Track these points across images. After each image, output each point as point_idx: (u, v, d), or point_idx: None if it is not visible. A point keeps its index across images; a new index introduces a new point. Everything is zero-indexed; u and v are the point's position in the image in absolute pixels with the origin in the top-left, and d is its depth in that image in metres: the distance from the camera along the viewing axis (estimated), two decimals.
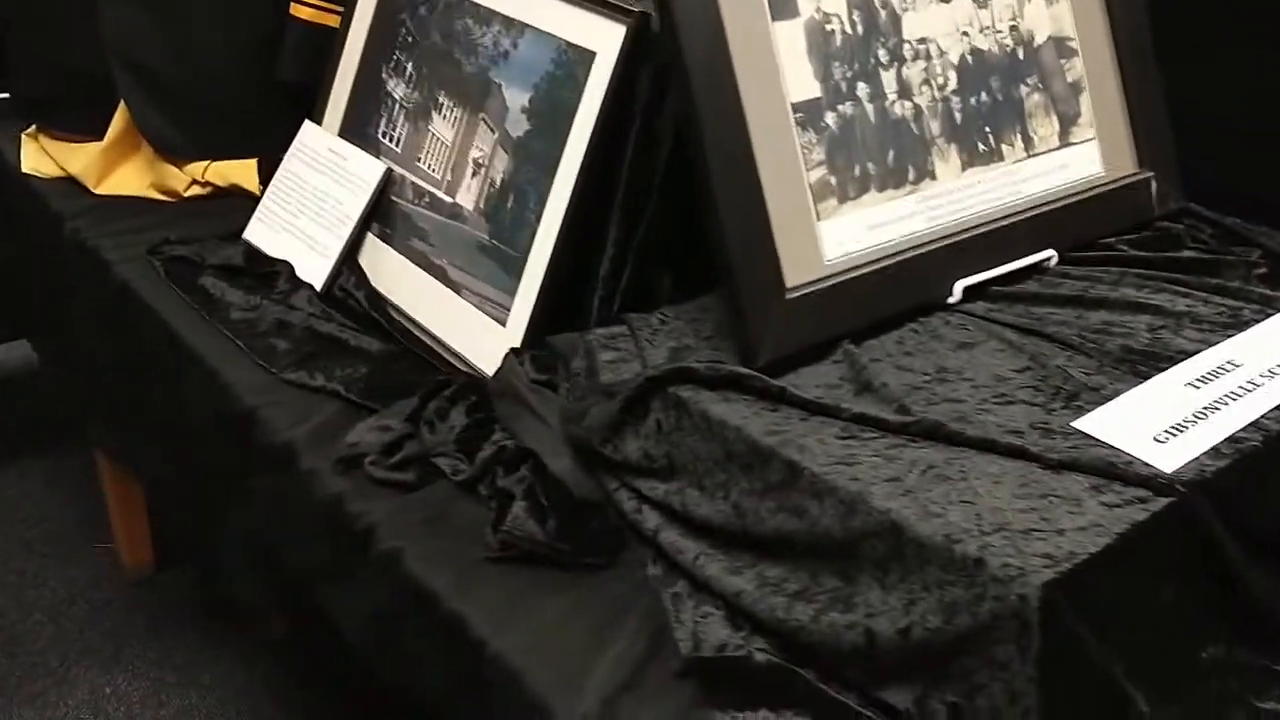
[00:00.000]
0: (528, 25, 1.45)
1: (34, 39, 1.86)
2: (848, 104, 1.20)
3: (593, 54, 1.36)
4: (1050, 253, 1.31)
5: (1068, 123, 1.38)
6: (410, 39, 1.62)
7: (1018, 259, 1.28)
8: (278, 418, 1.37)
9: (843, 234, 1.19)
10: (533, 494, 1.17)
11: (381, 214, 1.61)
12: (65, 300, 1.80)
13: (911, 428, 1.03)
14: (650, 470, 1.13)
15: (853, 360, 1.13)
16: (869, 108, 1.22)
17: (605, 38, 1.35)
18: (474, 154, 1.52)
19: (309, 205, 1.68)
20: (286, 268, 1.64)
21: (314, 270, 1.64)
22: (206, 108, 1.82)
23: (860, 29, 1.22)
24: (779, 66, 1.15)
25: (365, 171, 1.63)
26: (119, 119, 1.83)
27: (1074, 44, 1.38)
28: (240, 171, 1.86)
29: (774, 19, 1.15)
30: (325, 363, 1.45)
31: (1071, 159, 1.37)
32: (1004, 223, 1.29)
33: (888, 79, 1.23)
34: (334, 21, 1.82)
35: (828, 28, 1.19)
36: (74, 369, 1.88)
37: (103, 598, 2.44)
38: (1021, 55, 1.33)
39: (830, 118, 1.19)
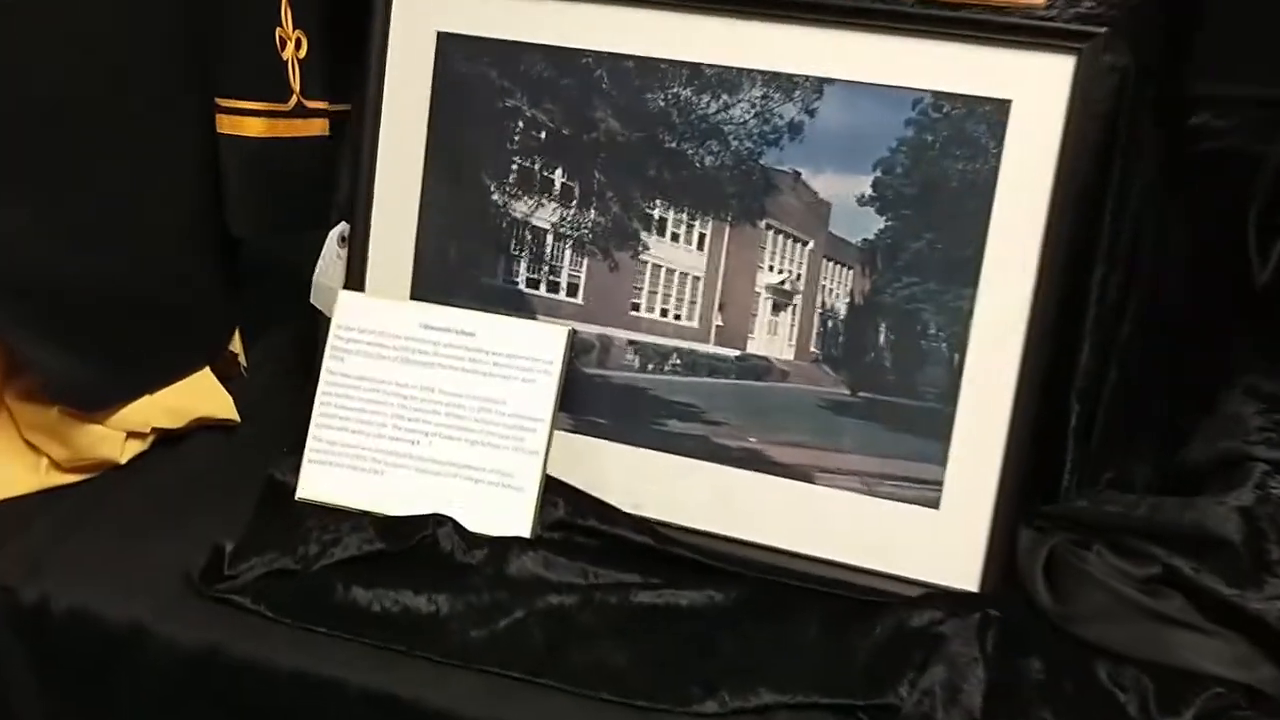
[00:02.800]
0: (827, 80, 0.98)
1: None
2: None
3: (1004, 103, 0.94)
4: None
5: None
6: (545, 134, 1.06)
7: None
8: None
9: None
10: None
11: (567, 399, 1.06)
12: None
13: None
14: None
15: None
16: None
17: (1026, 77, 0.93)
18: (765, 280, 1.03)
19: (424, 419, 1.07)
20: (444, 526, 1.03)
21: (501, 514, 1.04)
22: (134, 317, 1.09)
23: None
24: None
25: (534, 345, 1.05)
26: None
27: None
28: (201, 395, 1.15)
29: None
30: (748, 669, 0.91)
31: None
32: None
33: None
34: (302, 129, 1.17)
35: None
36: None
37: None
38: None
39: None
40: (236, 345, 1.22)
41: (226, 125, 1.11)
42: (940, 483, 0.97)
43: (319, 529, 1.02)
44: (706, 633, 0.95)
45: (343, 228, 1.13)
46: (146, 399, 1.11)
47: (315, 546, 1.01)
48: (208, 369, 1.16)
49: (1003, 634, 0.91)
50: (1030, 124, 0.93)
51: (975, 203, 0.94)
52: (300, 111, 1.17)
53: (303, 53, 1.17)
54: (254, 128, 1.12)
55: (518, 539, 1.02)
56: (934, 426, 0.97)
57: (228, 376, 1.20)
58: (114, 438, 1.10)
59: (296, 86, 1.17)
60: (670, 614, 0.97)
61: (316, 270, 1.14)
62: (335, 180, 1.14)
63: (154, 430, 1.12)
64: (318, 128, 1.20)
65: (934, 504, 0.98)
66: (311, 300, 1.15)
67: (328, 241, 1.14)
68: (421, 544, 1.02)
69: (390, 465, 1.06)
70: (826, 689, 0.89)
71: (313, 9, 1.17)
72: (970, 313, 0.95)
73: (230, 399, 1.15)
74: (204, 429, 1.15)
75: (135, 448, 1.11)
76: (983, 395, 0.96)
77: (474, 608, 0.96)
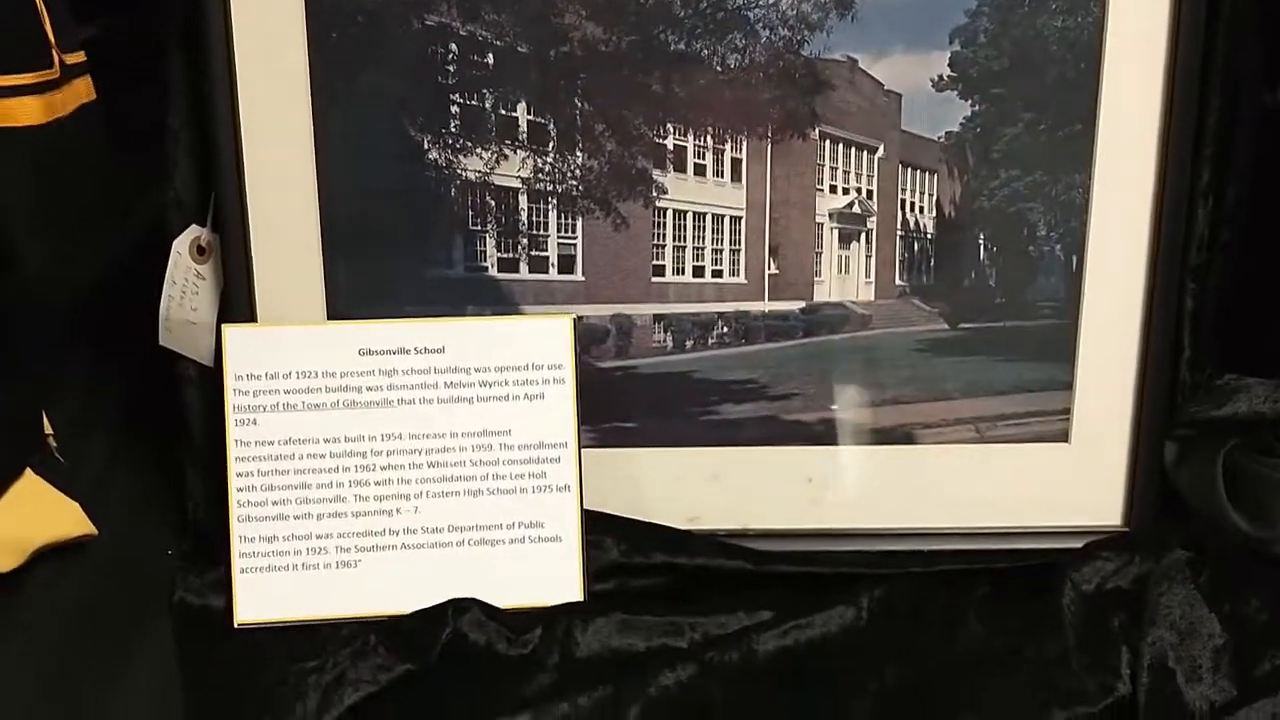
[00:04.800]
0: None
1: None
2: None
3: None
4: None
5: None
6: (493, 58, 0.74)
7: None
8: None
9: None
10: None
11: (582, 407, 0.78)
12: None
13: None
14: None
15: None
16: None
17: None
18: (828, 205, 0.78)
19: (400, 477, 0.76)
20: (467, 613, 0.73)
21: (537, 578, 0.76)
22: None
23: None
24: None
25: (531, 347, 0.75)
26: None
27: None
28: (36, 512, 0.75)
29: None
30: (934, 698, 0.70)
31: None
32: None
33: None
34: (73, 99, 0.77)
35: None
36: None
37: None
38: None
39: None
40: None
41: None
42: (1068, 411, 0.80)
43: (310, 669, 0.71)
44: (863, 666, 0.74)
45: (195, 233, 0.78)
46: None
47: (315, 696, 0.70)
48: (30, 471, 0.78)
49: (1213, 576, 0.76)
50: None
51: (1081, 66, 0.75)
52: (66, 74, 0.79)
53: None
54: (30, 112, 0.73)
55: (570, 606, 0.76)
56: (1055, 347, 0.79)
57: (35, 460, 0.83)
58: None
59: (53, 39, 0.79)
60: (808, 653, 0.74)
61: (165, 299, 0.78)
62: (164, 166, 0.78)
63: None
64: (85, 92, 0.82)
65: (1063, 436, 0.80)
66: (163, 342, 0.80)
67: (174, 256, 0.78)
68: (449, 646, 0.74)
69: (366, 550, 0.75)
70: (1048, 700, 0.72)
71: None
72: (1086, 204, 0.77)
73: (77, 506, 0.79)
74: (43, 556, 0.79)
75: None
76: (1110, 300, 0.78)
77: None
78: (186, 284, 0.78)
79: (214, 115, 0.74)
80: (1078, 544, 0.80)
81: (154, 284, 0.80)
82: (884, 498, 0.81)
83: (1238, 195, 0.81)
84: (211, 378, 0.78)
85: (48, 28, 0.77)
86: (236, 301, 0.76)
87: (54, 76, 0.77)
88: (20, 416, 0.79)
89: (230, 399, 0.75)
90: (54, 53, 0.78)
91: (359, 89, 0.74)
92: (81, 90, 0.82)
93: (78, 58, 0.81)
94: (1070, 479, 0.81)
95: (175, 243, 0.78)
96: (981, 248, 0.78)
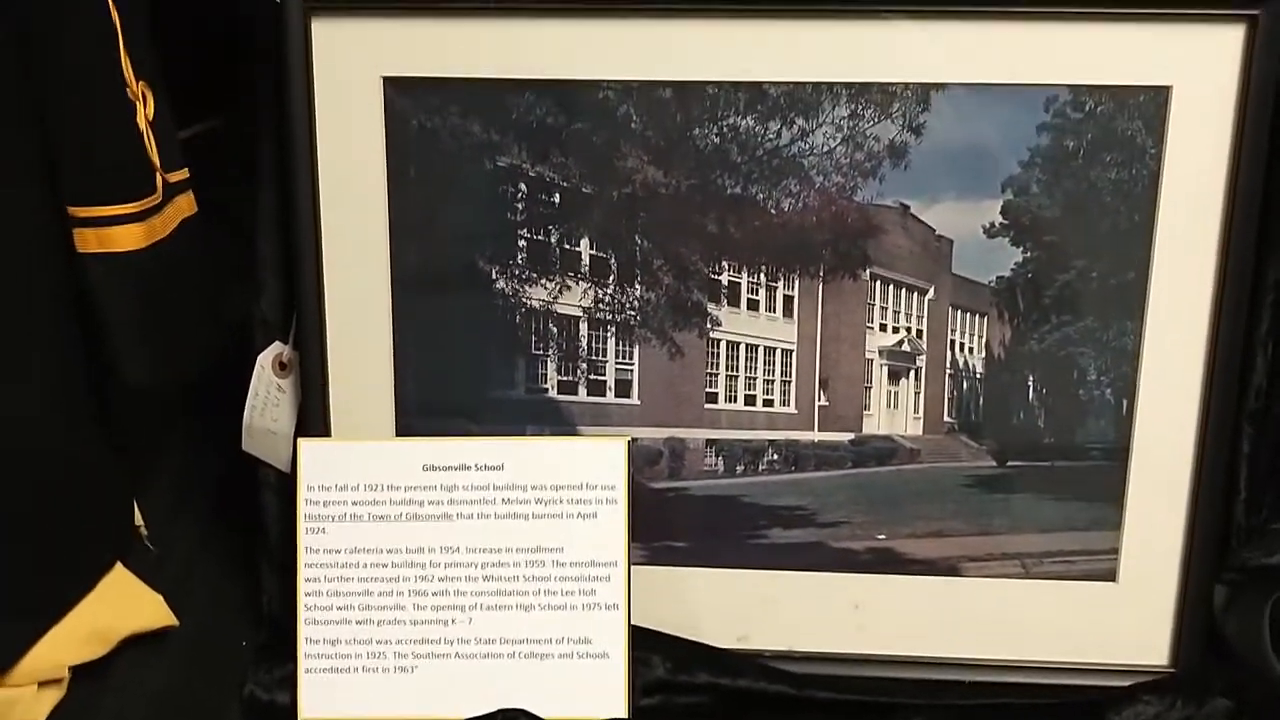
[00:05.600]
0: (935, 86, 0.75)
1: None
2: None
3: (1161, 91, 0.75)
4: None
5: None
6: (560, 197, 0.78)
7: None
8: None
9: None
10: None
11: (635, 525, 0.82)
12: None
13: None
14: None
15: None
16: None
17: (1187, 57, 0.73)
18: (877, 343, 0.80)
19: (456, 589, 0.80)
20: None
21: (584, 692, 0.79)
22: (11, 525, 0.76)
23: None
24: None
25: (587, 467, 0.79)
26: None
27: None
28: (122, 603, 0.82)
29: None
30: None
31: None
32: None
33: None
34: (174, 217, 0.83)
35: None
36: None
37: None
38: None
39: None
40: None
41: (92, 242, 0.78)
42: (1116, 550, 0.80)
43: None
44: None
45: (277, 350, 0.83)
46: (55, 631, 0.79)
47: None
48: (119, 564, 0.84)
49: None
50: (1195, 114, 0.74)
51: (1134, 218, 0.76)
52: (169, 194, 0.85)
53: (151, 111, 0.85)
54: (132, 239, 0.79)
55: None
56: (1103, 488, 0.79)
57: (127, 553, 0.89)
58: (25, 698, 0.78)
59: (157, 162, 0.84)
60: None
61: (248, 409, 0.83)
62: (252, 281, 0.84)
63: (65, 672, 0.80)
64: (186, 207, 0.88)
65: (1110, 575, 0.81)
66: (245, 448, 0.85)
67: (258, 369, 0.83)
68: None
69: (422, 657, 0.79)
70: None
71: (146, 42, 0.84)
72: (1138, 350, 0.77)
73: (160, 598, 0.84)
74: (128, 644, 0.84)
75: (52, 699, 0.79)
76: (1160, 443, 0.78)
77: None
78: (268, 396, 0.83)
79: (299, 244, 0.79)
80: (1123, 682, 0.80)
81: (241, 391, 0.85)
82: (929, 627, 0.82)
83: None
84: (289, 483, 0.83)
85: (153, 154, 0.83)
86: (313, 414, 0.81)
87: (156, 201, 0.82)
88: (114, 517, 0.85)
89: (303, 509, 0.79)
90: (157, 176, 0.83)
91: (434, 222, 0.78)
92: (183, 206, 0.87)
93: (180, 175, 0.87)
94: (1116, 618, 0.81)
95: (260, 357, 0.83)
96: (1030, 389, 0.79)
